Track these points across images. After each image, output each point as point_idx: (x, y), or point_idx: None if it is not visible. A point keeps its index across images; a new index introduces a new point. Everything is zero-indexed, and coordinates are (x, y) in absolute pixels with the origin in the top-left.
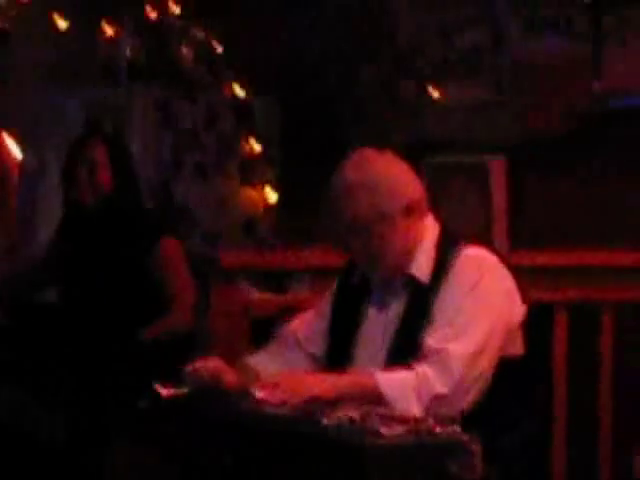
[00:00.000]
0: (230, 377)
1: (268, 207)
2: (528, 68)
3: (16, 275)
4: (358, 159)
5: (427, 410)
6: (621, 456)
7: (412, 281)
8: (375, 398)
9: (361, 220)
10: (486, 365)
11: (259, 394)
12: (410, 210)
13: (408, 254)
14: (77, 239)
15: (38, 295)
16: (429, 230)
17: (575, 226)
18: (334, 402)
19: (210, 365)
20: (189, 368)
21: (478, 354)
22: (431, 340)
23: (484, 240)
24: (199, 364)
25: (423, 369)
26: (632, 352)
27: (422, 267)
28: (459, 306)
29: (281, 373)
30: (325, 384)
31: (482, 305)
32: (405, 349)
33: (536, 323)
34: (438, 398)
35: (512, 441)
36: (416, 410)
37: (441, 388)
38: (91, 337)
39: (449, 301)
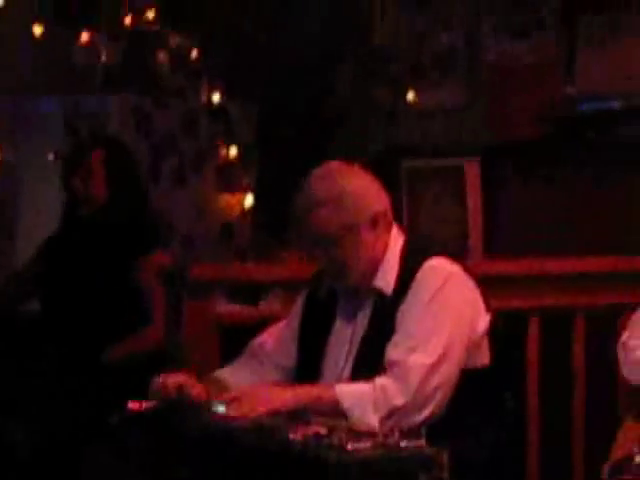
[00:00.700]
0: (196, 390)
1: (245, 211)
2: (501, 71)
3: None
4: (323, 172)
5: (385, 422)
6: (594, 463)
7: (377, 293)
8: (333, 409)
9: (327, 233)
10: (446, 376)
11: (220, 408)
12: (375, 222)
13: (374, 265)
14: (67, 250)
15: (22, 305)
16: (394, 241)
17: (547, 229)
18: (294, 414)
19: (175, 379)
20: (155, 382)
21: (437, 365)
22: (392, 352)
23: (458, 244)
24: (164, 378)
25: (382, 381)
26: (604, 358)
27: (386, 279)
28: (420, 317)
29: (241, 387)
30: (284, 396)
31: (443, 315)
32: (369, 361)
33: (507, 331)
34: (396, 409)
35: (479, 451)
36: (373, 421)
37: (398, 400)
38: (68, 350)
39: (410, 312)
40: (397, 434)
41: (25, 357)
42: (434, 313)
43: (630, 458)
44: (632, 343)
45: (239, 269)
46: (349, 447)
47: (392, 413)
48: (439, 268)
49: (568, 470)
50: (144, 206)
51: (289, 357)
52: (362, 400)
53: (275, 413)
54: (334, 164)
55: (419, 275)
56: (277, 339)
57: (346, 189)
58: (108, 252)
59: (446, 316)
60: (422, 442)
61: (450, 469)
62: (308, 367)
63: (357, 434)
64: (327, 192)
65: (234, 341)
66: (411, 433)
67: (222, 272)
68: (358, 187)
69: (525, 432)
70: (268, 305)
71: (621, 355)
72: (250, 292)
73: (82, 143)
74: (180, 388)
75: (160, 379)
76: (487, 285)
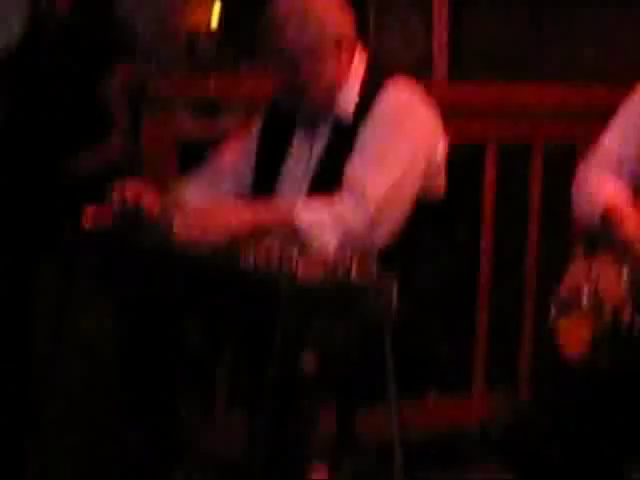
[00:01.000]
0: (150, 198)
1: (212, 21)
2: None
3: None
4: None
5: (342, 244)
6: (545, 300)
7: (336, 118)
8: (292, 232)
9: (289, 53)
10: (403, 199)
11: (178, 230)
12: (339, 45)
13: (334, 90)
14: (33, 58)
15: None
16: (356, 66)
17: (512, 50)
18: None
19: (132, 185)
20: (113, 186)
21: (395, 187)
22: (350, 170)
23: (423, 65)
24: (122, 183)
25: (340, 205)
26: (561, 193)
27: (346, 104)
28: (379, 137)
29: (200, 206)
30: (243, 216)
31: (402, 137)
32: (325, 184)
33: (464, 161)
34: (352, 232)
35: (430, 278)
36: (331, 244)
37: (355, 223)
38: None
39: (370, 132)
40: (348, 260)
41: None
42: (392, 135)
43: (577, 292)
44: (585, 176)
45: (200, 84)
46: (300, 274)
47: (348, 235)
48: (400, 89)
49: (519, 303)
50: (108, 17)
51: (247, 174)
52: (320, 222)
53: (231, 234)
54: None
55: (380, 97)
56: (236, 155)
57: (312, 9)
58: (75, 61)
59: (405, 137)
60: (372, 269)
61: (401, 295)
62: (264, 184)
63: (309, 261)
64: (290, 14)
65: (192, 157)
66: (362, 260)
67: (182, 87)
68: (322, 8)
69: (478, 264)
70: (228, 121)
71: (573, 188)
72: (210, 108)
73: None
74: (136, 193)
75: (117, 184)
76: (446, 111)
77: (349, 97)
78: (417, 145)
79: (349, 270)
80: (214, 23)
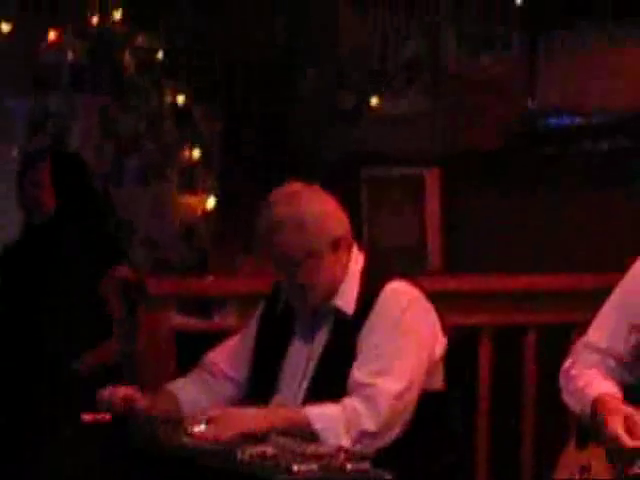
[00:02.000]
0: (143, 403)
1: (206, 213)
2: (463, 83)
3: None
4: (286, 195)
5: (354, 445)
6: None
7: (337, 312)
8: (307, 433)
9: (289, 256)
10: (410, 401)
11: (193, 429)
12: (337, 245)
13: (334, 286)
14: (25, 261)
15: None
16: (354, 261)
17: (502, 241)
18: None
19: (121, 392)
20: (100, 395)
21: (405, 391)
22: (358, 374)
23: (417, 253)
24: (109, 391)
25: (352, 404)
26: (555, 376)
27: (347, 299)
28: (384, 341)
29: (214, 407)
30: (258, 419)
31: (407, 340)
32: (327, 380)
33: (459, 349)
34: (365, 434)
35: (429, 473)
36: (344, 443)
37: (369, 425)
38: (27, 362)
39: (374, 335)
40: (342, 456)
41: None
42: (397, 337)
43: None
44: (573, 372)
45: (195, 283)
46: (295, 468)
47: (362, 437)
48: (401, 292)
49: None
50: (100, 216)
51: (242, 372)
52: (335, 424)
53: (247, 435)
54: (296, 186)
55: (381, 299)
56: (231, 353)
57: (309, 212)
58: (69, 263)
59: (409, 341)
60: (366, 465)
61: None
62: (263, 383)
63: (303, 456)
64: (288, 217)
65: (189, 354)
66: (356, 456)
67: (179, 286)
68: (320, 211)
69: (474, 452)
70: (223, 318)
71: (562, 382)
72: (205, 305)
73: (31, 155)
74: (126, 401)
75: (104, 393)
76: (440, 301)
77: (349, 293)
78: (421, 347)
79: (343, 465)
80: (209, 212)
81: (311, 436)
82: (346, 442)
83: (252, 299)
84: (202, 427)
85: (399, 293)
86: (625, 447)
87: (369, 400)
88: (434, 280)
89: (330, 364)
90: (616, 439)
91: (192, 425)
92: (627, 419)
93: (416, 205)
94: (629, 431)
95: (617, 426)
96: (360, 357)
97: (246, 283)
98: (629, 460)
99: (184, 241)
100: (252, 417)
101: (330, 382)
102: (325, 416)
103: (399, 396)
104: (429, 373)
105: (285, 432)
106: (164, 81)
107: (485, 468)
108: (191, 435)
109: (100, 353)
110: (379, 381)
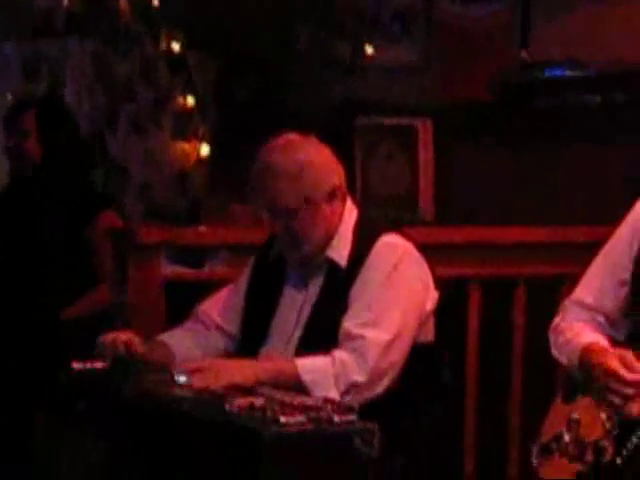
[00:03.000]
0: (143, 349)
1: (200, 160)
2: (457, 33)
3: None
4: (282, 144)
5: (343, 397)
6: (530, 433)
7: (330, 264)
8: (295, 385)
9: (285, 205)
10: (400, 353)
11: (181, 378)
12: (333, 195)
13: (328, 237)
14: (11, 209)
15: None
16: (348, 213)
17: (493, 193)
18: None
19: (123, 337)
20: (102, 339)
21: (393, 342)
22: (348, 325)
23: (409, 203)
24: (113, 336)
25: (341, 356)
26: (543, 329)
27: (340, 251)
28: (376, 293)
29: (203, 358)
30: (246, 370)
31: (398, 292)
32: (319, 330)
33: (449, 302)
34: (354, 385)
35: (416, 424)
36: (333, 395)
37: (357, 376)
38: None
39: (366, 287)
40: (329, 408)
41: None
42: (390, 289)
43: (559, 437)
44: (562, 326)
45: (186, 232)
46: (283, 420)
47: (350, 389)
48: (393, 245)
49: (504, 444)
50: (85, 166)
51: (234, 323)
52: (323, 375)
53: (236, 386)
54: (292, 136)
55: (374, 251)
56: (223, 304)
57: (306, 162)
58: (56, 211)
59: (400, 293)
60: (353, 417)
61: (387, 440)
62: (254, 333)
63: (291, 407)
64: (286, 165)
65: (180, 303)
66: (343, 407)
67: (169, 235)
68: (316, 161)
69: (462, 405)
70: (214, 268)
71: (551, 337)
72: (197, 254)
73: (19, 103)
74: (128, 345)
75: (107, 337)
76: (430, 252)
77: (342, 245)
78: (412, 300)
79: (330, 417)
80: (203, 160)
81: (299, 388)
82: (335, 394)
83: (244, 249)
84: (190, 378)
85: (392, 246)
86: (625, 381)
87: (358, 351)
88: (424, 231)
89: (323, 314)
90: (614, 374)
91: (180, 375)
92: (621, 359)
93: (409, 155)
94: (626, 367)
95: (614, 362)
96: (351, 309)
97: (238, 232)
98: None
99: (177, 189)
100: (240, 368)
101: (322, 332)
102: (314, 368)
103: (388, 347)
104: (420, 326)
105: (273, 384)
106: (159, 27)
107: (473, 421)
108: (179, 386)
109: (85, 302)
110: (368, 332)
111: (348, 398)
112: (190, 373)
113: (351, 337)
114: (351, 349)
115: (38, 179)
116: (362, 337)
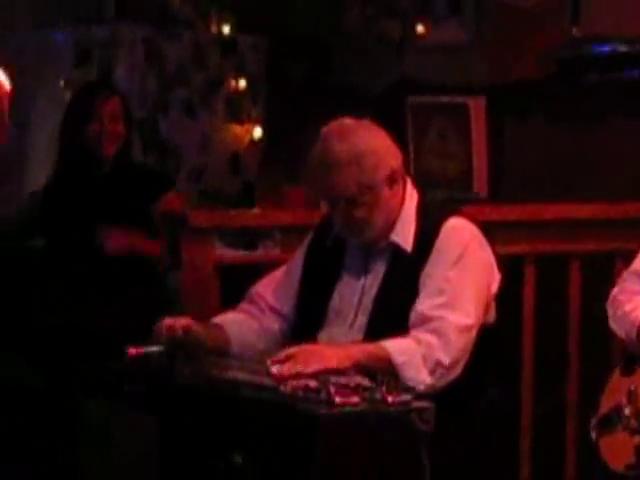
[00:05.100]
0: (201, 333)
1: (253, 143)
2: (507, 11)
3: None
4: (339, 132)
5: (432, 377)
6: (588, 411)
7: (394, 248)
8: (387, 367)
9: (344, 194)
10: (474, 336)
11: (273, 369)
12: (393, 179)
13: (391, 221)
14: (88, 190)
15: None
16: (409, 196)
17: (546, 169)
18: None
19: (182, 321)
20: (160, 324)
21: (472, 325)
22: (423, 308)
23: (463, 181)
24: (170, 320)
25: (425, 337)
26: (599, 303)
27: (405, 235)
28: (447, 277)
29: (295, 346)
30: (340, 355)
31: (469, 276)
32: (387, 315)
33: (505, 279)
34: (440, 366)
35: (479, 408)
36: (424, 376)
37: (443, 356)
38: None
39: (437, 271)
40: (383, 389)
41: (31, 292)
42: (460, 273)
43: (619, 410)
44: (620, 298)
45: (239, 215)
46: (337, 400)
47: (436, 369)
48: (461, 228)
49: (561, 419)
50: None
51: (288, 305)
52: (412, 356)
53: (329, 372)
54: (347, 122)
55: (442, 235)
56: (276, 286)
57: (365, 148)
58: (132, 191)
59: (471, 277)
60: (408, 397)
61: (445, 421)
62: (310, 317)
63: (345, 388)
64: (343, 154)
65: (233, 286)
66: (397, 388)
67: (222, 218)
68: (375, 146)
69: (519, 382)
70: (267, 249)
71: (609, 309)
72: (249, 236)
73: (92, 91)
74: (186, 329)
75: (167, 320)
76: (485, 230)
77: (406, 229)
78: (481, 283)
79: (385, 398)
80: (256, 142)
81: (391, 371)
82: (425, 375)
83: (297, 230)
84: (281, 367)
85: (459, 230)
86: None
87: (439, 332)
88: (478, 209)
89: (390, 299)
90: None
91: (274, 367)
92: None
93: (462, 133)
94: None
95: None
96: (423, 292)
97: (290, 214)
98: None
99: (230, 171)
100: (334, 353)
101: (391, 317)
102: (402, 349)
103: (467, 330)
104: (485, 308)
105: (366, 367)
106: (210, 11)
107: (529, 398)
108: (272, 375)
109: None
110: (447, 314)
111: (435, 379)
112: (281, 362)
113: (429, 319)
114: (432, 330)
115: (123, 162)
116: (442, 318)
